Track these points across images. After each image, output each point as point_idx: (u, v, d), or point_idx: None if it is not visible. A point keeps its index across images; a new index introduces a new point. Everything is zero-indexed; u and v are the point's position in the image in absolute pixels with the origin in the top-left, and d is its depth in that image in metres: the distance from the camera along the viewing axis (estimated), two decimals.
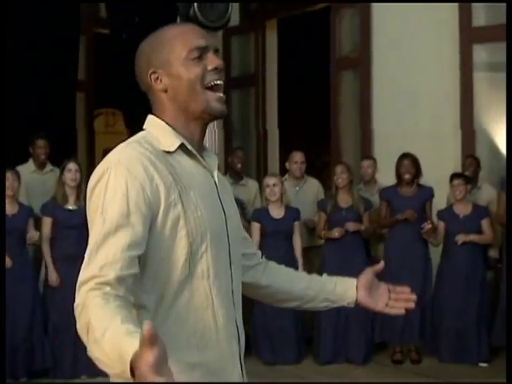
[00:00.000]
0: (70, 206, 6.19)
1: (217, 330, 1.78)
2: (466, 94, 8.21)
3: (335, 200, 6.61)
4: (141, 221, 1.65)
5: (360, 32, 9.16)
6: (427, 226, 6.33)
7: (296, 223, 6.55)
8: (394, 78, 8.79)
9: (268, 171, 10.22)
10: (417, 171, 6.65)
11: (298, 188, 7.34)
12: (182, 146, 1.82)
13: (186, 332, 1.75)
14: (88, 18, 10.33)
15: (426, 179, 6.89)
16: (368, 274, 2.12)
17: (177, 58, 1.82)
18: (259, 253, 2.18)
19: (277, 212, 6.49)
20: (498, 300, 6.39)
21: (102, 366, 1.49)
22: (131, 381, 1.39)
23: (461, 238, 6.29)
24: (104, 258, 1.60)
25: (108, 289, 1.56)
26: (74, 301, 1.59)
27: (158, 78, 1.85)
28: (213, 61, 1.83)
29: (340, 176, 6.57)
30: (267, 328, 6.48)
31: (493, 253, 6.81)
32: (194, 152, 1.84)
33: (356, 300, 2.12)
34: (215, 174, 1.90)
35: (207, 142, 6.90)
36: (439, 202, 6.96)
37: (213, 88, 1.83)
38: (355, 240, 6.56)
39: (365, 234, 6.65)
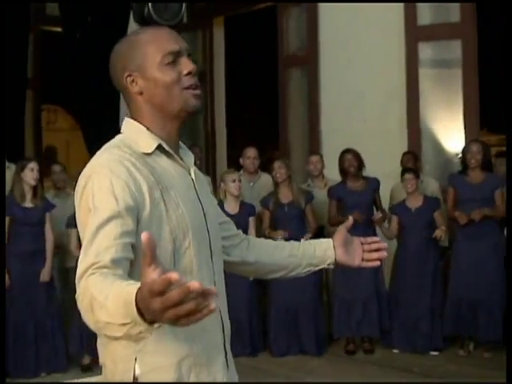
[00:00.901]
0: (27, 204, 6.18)
1: (203, 321, 1.80)
2: (412, 92, 8.41)
3: (276, 196, 6.75)
4: (129, 213, 1.70)
5: (307, 30, 9.27)
6: (378, 215, 6.53)
7: (251, 218, 6.65)
8: (341, 76, 8.93)
9: (216, 168, 10.33)
10: (359, 164, 6.82)
11: (252, 183, 7.46)
12: (159, 147, 1.87)
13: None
14: (35, 15, 10.25)
15: (373, 175, 7.04)
16: (341, 231, 2.18)
17: (151, 62, 1.86)
18: (240, 232, 2.25)
19: (232, 207, 6.57)
20: (448, 289, 6.60)
21: (110, 331, 1.51)
22: (143, 335, 1.46)
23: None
24: (98, 246, 1.64)
25: (106, 270, 1.60)
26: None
27: (133, 80, 1.89)
28: (187, 66, 1.86)
29: (278, 171, 6.71)
30: None
31: (442, 242, 7.04)
32: (171, 152, 1.89)
33: (335, 259, 2.19)
34: (192, 171, 1.95)
35: None
36: (384, 197, 7.14)
37: (189, 87, 1.87)
38: (300, 238, 6.64)
39: (310, 230, 6.76)
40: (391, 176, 7.22)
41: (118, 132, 1.97)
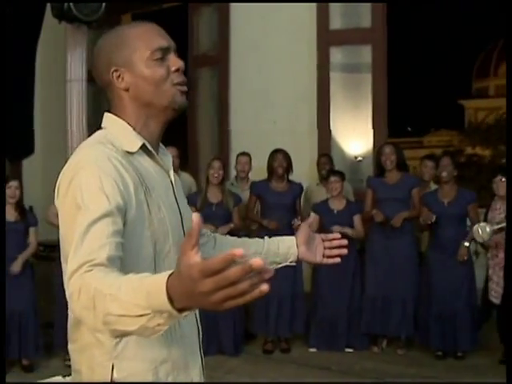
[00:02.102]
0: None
1: (180, 325, 1.81)
2: (322, 94, 8.57)
3: (205, 195, 6.70)
4: (119, 212, 1.66)
5: (218, 31, 9.29)
6: (297, 222, 6.58)
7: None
8: (251, 78, 8.99)
9: None
10: (288, 166, 6.88)
11: None
12: (142, 147, 1.83)
13: None
14: None
15: None
16: (304, 229, 2.20)
17: (140, 58, 1.82)
18: (208, 231, 2.23)
19: None
20: (364, 288, 6.75)
21: (123, 324, 1.43)
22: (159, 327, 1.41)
23: (336, 229, 6.56)
24: (90, 244, 1.58)
25: (103, 267, 1.55)
26: None
27: (119, 76, 1.84)
28: (175, 62, 1.84)
29: (217, 172, 6.67)
30: None
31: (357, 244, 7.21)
32: (154, 153, 1.86)
33: (297, 257, 2.20)
34: (171, 173, 1.92)
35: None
36: None
37: (178, 84, 1.85)
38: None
39: (235, 231, 6.78)
40: (300, 178, 7.30)
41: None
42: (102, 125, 1.88)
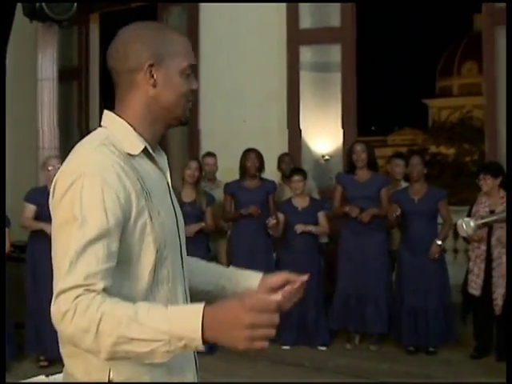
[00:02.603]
0: None
1: None
2: (292, 93, 8.62)
3: (179, 194, 6.71)
4: (117, 229, 1.65)
5: (188, 30, 9.26)
6: (272, 220, 6.62)
7: None
8: (221, 77, 9.00)
9: None
10: (260, 165, 6.92)
11: None
12: (144, 150, 1.80)
13: None
14: None
15: None
16: (267, 286, 2.01)
17: (177, 65, 1.82)
18: None
19: None
20: (334, 286, 6.81)
21: (135, 345, 1.50)
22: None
23: (299, 228, 6.65)
24: (86, 268, 1.57)
25: (103, 294, 1.57)
26: None
27: (152, 71, 1.79)
28: (195, 83, 1.87)
29: (195, 172, 6.69)
30: None
31: (323, 238, 7.29)
32: (154, 156, 1.83)
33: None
34: (168, 175, 1.90)
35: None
36: None
37: (190, 101, 1.87)
38: (196, 236, 6.64)
39: (207, 230, 6.80)
40: (270, 176, 7.35)
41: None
42: (102, 123, 1.84)
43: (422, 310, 6.46)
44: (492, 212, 5.96)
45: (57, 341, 1.78)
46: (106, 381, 1.72)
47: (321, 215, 6.83)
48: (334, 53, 8.56)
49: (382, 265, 6.69)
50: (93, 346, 1.53)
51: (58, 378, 3.03)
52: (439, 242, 6.42)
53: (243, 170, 6.92)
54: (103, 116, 1.85)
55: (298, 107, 8.63)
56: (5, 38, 6.94)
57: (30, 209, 6.15)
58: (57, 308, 1.55)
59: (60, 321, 1.55)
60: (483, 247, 6.14)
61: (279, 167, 7.80)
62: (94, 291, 1.55)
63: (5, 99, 6.82)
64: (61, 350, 1.81)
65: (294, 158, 7.99)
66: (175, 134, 9.64)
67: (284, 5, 8.60)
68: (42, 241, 6.09)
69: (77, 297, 1.53)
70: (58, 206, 1.67)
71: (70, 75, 10.16)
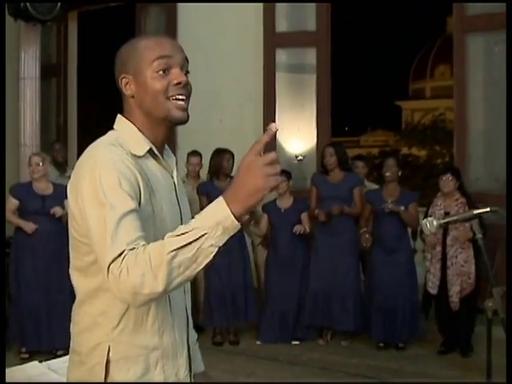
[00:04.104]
0: None
1: (172, 316, 1.94)
2: (268, 94, 8.76)
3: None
4: (138, 208, 1.78)
5: (166, 30, 9.37)
6: (244, 218, 6.78)
7: None
8: (198, 77, 9.00)
9: (68, 163, 10.23)
10: (233, 165, 7.09)
11: None
12: (149, 150, 1.93)
13: (151, 317, 1.89)
14: None
15: None
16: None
17: (145, 68, 1.90)
18: None
19: None
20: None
21: (183, 253, 1.63)
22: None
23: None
24: (127, 235, 1.70)
25: (142, 246, 1.68)
26: None
27: (127, 83, 1.94)
28: (177, 76, 1.90)
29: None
30: None
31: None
32: (160, 156, 1.95)
33: None
34: (174, 174, 2.01)
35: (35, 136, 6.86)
36: None
37: (172, 97, 1.91)
38: None
39: None
40: None
41: None
42: (114, 126, 1.99)
43: (391, 307, 6.65)
44: (447, 214, 6.18)
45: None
46: (105, 357, 1.85)
47: (303, 216, 7.01)
48: (310, 55, 8.73)
49: (351, 264, 6.89)
50: (154, 283, 1.63)
51: (52, 364, 3.20)
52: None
53: (217, 169, 7.05)
54: (116, 119, 2.00)
55: (274, 108, 8.78)
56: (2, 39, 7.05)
57: (13, 202, 6.29)
58: (112, 277, 1.66)
59: (118, 283, 1.65)
60: (438, 248, 6.40)
61: None
62: (136, 248, 1.68)
63: (5, 98, 6.92)
64: (71, 328, 1.97)
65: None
66: None
67: (261, 7, 8.72)
68: (25, 236, 6.24)
69: (124, 258, 1.66)
70: (82, 200, 1.80)
71: (48, 73, 10.24)
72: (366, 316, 6.80)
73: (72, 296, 2.02)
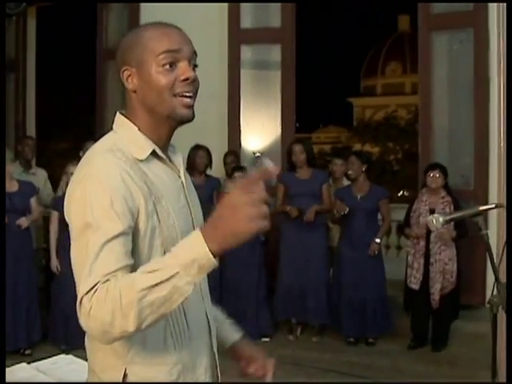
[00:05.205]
0: None
1: (188, 327, 1.83)
2: (233, 91, 8.75)
3: None
4: (129, 231, 1.67)
5: (128, 27, 9.25)
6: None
7: None
8: None
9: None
10: (209, 162, 7.07)
11: None
12: (152, 152, 1.80)
13: (164, 334, 1.78)
14: None
15: None
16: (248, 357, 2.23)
17: (150, 60, 1.77)
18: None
19: None
20: (275, 280, 7.01)
21: (156, 291, 1.51)
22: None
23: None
24: (106, 266, 1.59)
25: (113, 279, 1.57)
26: None
27: (129, 76, 1.79)
28: (184, 71, 1.77)
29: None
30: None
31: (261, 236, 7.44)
32: (164, 157, 1.83)
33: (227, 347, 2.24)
34: (182, 173, 1.89)
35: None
36: None
37: (179, 94, 1.78)
38: None
39: None
40: (211, 172, 7.49)
41: None
42: (113, 126, 1.85)
43: (361, 303, 6.71)
44: (432, 211, 6.23)
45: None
46: (121, 379, 1.75)
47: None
48: (274, 52, 8.74)
49: (322, 259, 6.91)
50: (124, 323, 1.52)
51: (40, 365, 3.15)
52: (378, 240, 6.70)
53: (190, 166, 7.00)
54: (115, 119, 1.86)
55: (239, 105, 8.78)
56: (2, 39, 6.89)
57: None
58: (82, 310, 1.56)
59: (87, 319, 1.55)
60: (422, 243, 6.45)
61: (225, 165, 7.88)
62: (109, 281, 1.57)
63: (5, 97, 6.74)
64: (85, 344, 1.86)
65: (238, 155, 8.12)
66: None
67: (225, 4, 8.72)
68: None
69: (95, 291, 1.55)
70: (71, 215, 1.70)
71: (6, 67, 10.06)
72: (334, 311, 6.84)
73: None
